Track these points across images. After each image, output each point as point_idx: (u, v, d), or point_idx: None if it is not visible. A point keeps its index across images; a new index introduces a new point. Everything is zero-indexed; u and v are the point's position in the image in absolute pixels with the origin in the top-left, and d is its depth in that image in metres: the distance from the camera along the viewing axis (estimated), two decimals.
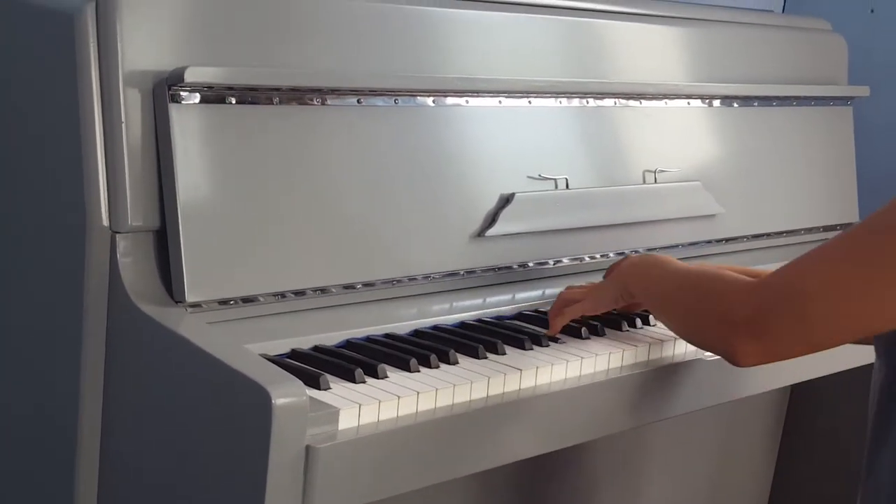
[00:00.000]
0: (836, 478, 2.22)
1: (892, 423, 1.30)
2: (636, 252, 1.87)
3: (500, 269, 1.69)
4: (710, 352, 1.31)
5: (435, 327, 1.58)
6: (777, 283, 1.24)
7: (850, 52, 2.36)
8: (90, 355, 1.36)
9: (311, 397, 1.22)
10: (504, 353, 1.50)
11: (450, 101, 1.63)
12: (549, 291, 1.75)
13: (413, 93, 1.59)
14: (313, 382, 1.30)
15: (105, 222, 1.34)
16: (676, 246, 1.95)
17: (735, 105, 2.08)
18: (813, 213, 2.25)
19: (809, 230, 2.24)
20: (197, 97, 1.36)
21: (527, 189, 1.71)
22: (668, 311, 1.43)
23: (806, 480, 2.45)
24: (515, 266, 1.71)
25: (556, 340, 1.57)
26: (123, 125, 1.34)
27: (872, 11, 2.79)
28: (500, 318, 1.66)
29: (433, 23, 1.65)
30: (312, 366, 1.36)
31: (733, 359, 1.27)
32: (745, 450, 2.42)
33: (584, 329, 1.61)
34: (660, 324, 1.67)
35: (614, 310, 1.64)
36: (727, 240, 2.05)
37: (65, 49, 1.34)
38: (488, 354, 1.49)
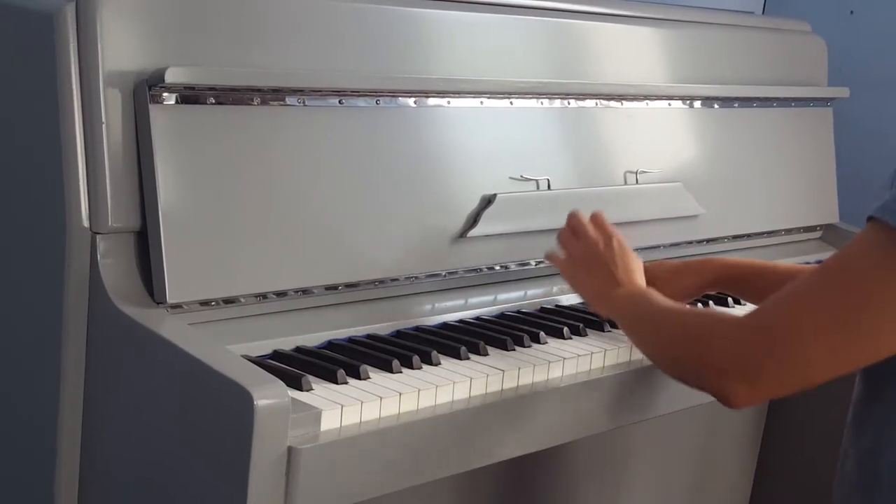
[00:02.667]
0: (818, 478, 2.23)
1: (864, 436, 1.31)
2: None
3: (482, 270, 1.69)
4: (702, 391, 1.32)
5: (417, 328, 1.58)
6: (762, 327, 1.24)
7: (829, 53, 2.37)
8: (70, 356, 1.35)
9: (293, 398, 1.22)
10: (486, 354, 1.50)
11: (431, 101, 1.63)
12: (530, 292, 1.76)
13: (394, 93, 1.58)
14: (295, 383, 1.30)
15: (85, 223, 1.33)
16: (658, 247, 1.95)
17: (716, 106, 2.09)
18: (793, 214, 2.26)
19: (790, 231, 2.25)
20: (177, 97, 1.36)
21: (509, 190, 1.71)
22: (647, 346, 1.42)
23: (787, 481, 2.46)
24: (497, 267, 1.71)
25: (538, 341, 1.57)
26: (104, 126, 1.33)
27: (852, 13, 2.81)
28: (482, 318, 1.66)
29: (415, 23, 1.65)
30: (294, 367, 1.36)
31: (727, 403, 1.26)
32: (726, 450, 2.43)
33: (565, 329, 1.61)
34: None
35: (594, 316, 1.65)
36: (708, 240, 2.05)
37: (45, 49, 1.33)
38: (470, 355, 1.49)
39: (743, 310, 1.79)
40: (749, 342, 1.23)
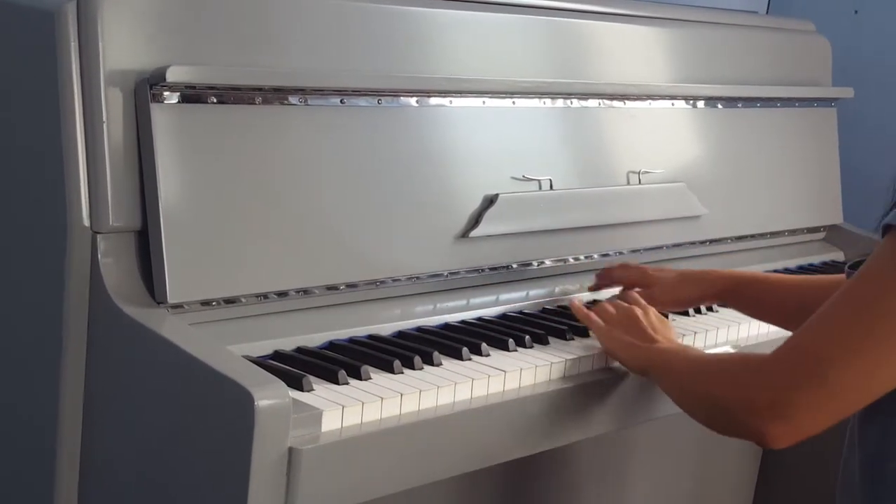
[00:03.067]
0: (821, 482, 2.22)
1: (867, 441, 1.30)
2: (620, 254, 1.87)
3: (483, 270, 1.69)
4: (741, 438, 1.31)
5: (418, 329, 1.58)
6: (792, 360, 1.21)
7: (833, 53, 2.37)
8: (71, 356, 1.35)
9: (293, 399, 1.22)
10: (488, 355, 1.50)
11: (433, 101, 1.63)
12: (532, 293, 1.75)
13: (396, 93, 1.58)
14: (296, 384, 1.30)
15: (86, 222, 1.33)
16: (661, 247, 1.95)
17: (719, 106, 2.08)
18: (797, 215, 2.25)
19: (793, 231, 2.25)
20: (178, 97, 1.36)
21: (511, 190, 1.70)
22: (683, 396, 1.39)
23: (790, 485, 2.46)
24: (499, 267, 1.71)
25: (541, 342, 1.57)
26: (105, 125, 1.33)
27: (856, 12, 2.80)
28: (483, 319, 1.65)
29: (417, 23, 1.64)
30: (295, 367, 1.36)
31: (765, 444, 1.24)
32: (728, 454, 2.42)
33: (568, 330, 1.61)
34: None
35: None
36: (711, 241, 2.05)
37: (46, 48, 1.33)
38: (472, 356, 1.48)
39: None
40: (779, 379, 1.21)
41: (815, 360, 1.19)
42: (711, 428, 1.34)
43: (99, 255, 1.33)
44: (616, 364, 1.57)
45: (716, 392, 1.30)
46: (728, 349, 1.70)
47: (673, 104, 2.00)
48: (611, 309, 1.59)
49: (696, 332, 1.71)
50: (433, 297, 1.64)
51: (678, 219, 1.97)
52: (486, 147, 1.69)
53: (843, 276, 1.34)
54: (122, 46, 1.34)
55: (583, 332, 1.63)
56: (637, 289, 1.73)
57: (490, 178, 1.69)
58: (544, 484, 2.01)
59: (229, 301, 1.40)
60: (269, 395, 1.18)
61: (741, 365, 1.29)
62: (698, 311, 1.81)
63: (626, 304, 1.59)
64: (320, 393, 1.30)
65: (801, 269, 2.18)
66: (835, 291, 1.23)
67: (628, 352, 1.51)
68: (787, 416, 1.20)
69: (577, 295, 1.75)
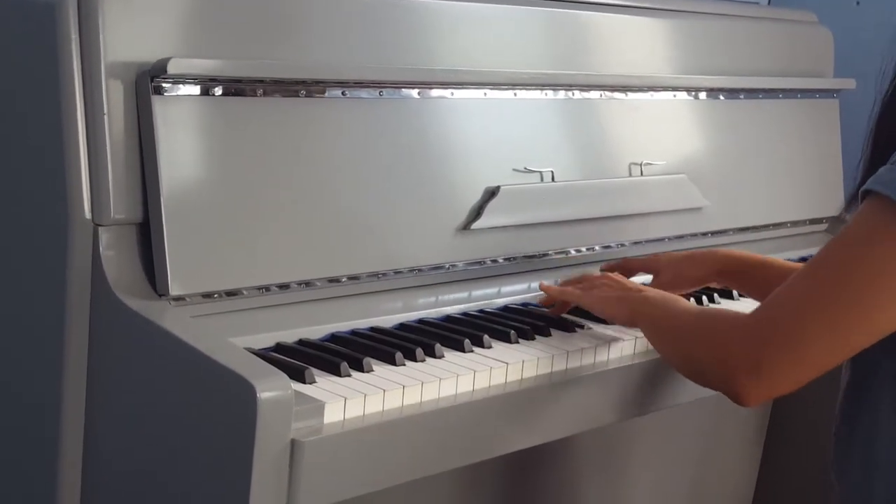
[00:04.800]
0: (821, 475, 2.22)
1: (858, 424, 1.30)
2: (622, 245, 1.87)
3: (485, 262, 1.68)
4: (707, 388, 1.32)
5: (420, 321, 1.57)
6: (767, 319, 1.23)
7: (836, 44, 2.36)
8: (73, 349, 1.35)
9: (296, 391, 1.22)
10: (490, 347, 1.50)
11: (435, 93, 1.62)
12: (534, 285, 1.75)
13: (398, 85, 1.58)
14: (298, 376, 1.30)
15: (88, 215, 1.33)
16: (662, 239, 1.95)
17: (721, 97, 2.08)
18: (799, 206, 2.25)
19: (795, 223, 2.24)
20: (180, 89, 1.35)
21: (512, 182, 1.70)
22: (664, 346, 1.43)
23: (792, 475, 2.46)
24: (501, 259, 1.71)
25: (543, 333, 1.57)
26: (106, 117, 1.33)
27: (858, 3, 2.79)
28: (485, 311, 1.65)
29: (418, 15, 1.64)
30: (297, 359, 1.36)
31: (739, 400, 1.26)
32: (729, 444, 2.42)
33: (570, 322, 1.61)
34: None
35: None
36: (713, 233, 2.05)
37: (46, 40, 1.33)
38: (474, 348, 1.48)
39: (750, 304, 1.78)
40: (755, 336, 1.23)
41: (789, 320, 1.20)
42: (688, 377, 1.37)
43: (101, 248, 1.33)
44: (617, 356, 1.57)
45: (694, 349, 1.32)
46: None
47: (675, 95, 1.99)
48: (588, 280, 1.62)
49: None
50: (435, 289, 1.64)
51: (680, 210, 1.97)
52: (487, 139, 1.69)
53: None
54: (123, 38, 1.34)
55: (585, 326, 1.63)
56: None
57: (491, 170, 1.68)
58: (546, 475, 2.01)
59: (231, 293, 1.40)
60: (272, 387, 1.18)
61: (719, 322, 1.30)
62: (730, 295, 1.83)
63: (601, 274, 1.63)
64: (322, 385, 1.30)
65: (803, 261, 2.18)
66: None
67: (611, 303, 1.52)
68: (760, 374, 1.22)
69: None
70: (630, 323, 1.51)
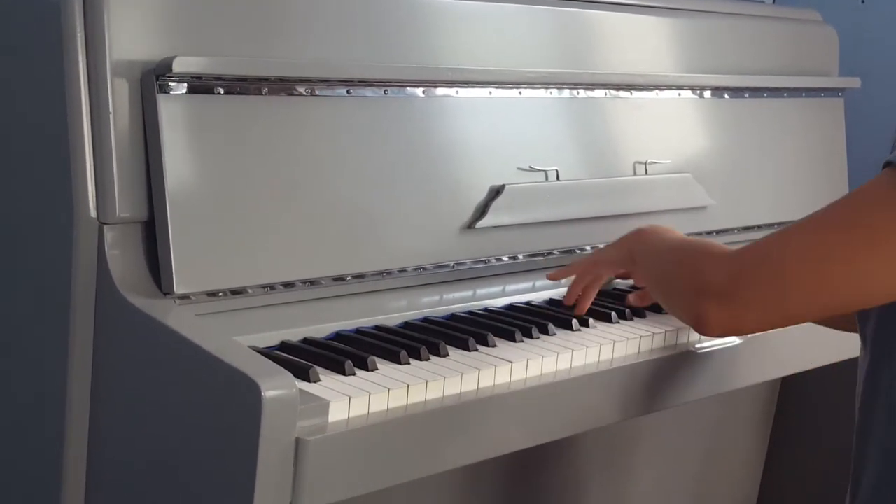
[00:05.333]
0: (827, 472, 2.22)
1: (877, 412, 1.30)
2: None
3: (490, 261, 1.68)
4: (680, 319, 1.29)
5: (425, 319, 1.58)
6: (754, 249, 1.21)
7: (840, 43, 2.36)
8: (78, 347, 1.35)
9: (300, 389, 1.22)
10: (494, 346, 1.50)
11: (440, 91, 1.62)
12: (539, 283, 1.75)
13: (403, 83, 1.58)
14: (303, 375, 1.30)
15: (93, 213, 1.33)
16: None
17: (726, 96, 2.08)
18: (804, 205, 2.23)
19: None
20: (185, 87, 1.35)
21: (517, 181, 1.70)
22: (651, 277, 1.43)
23: (796, 474, 2.46)
24: (506, 258, 1.71)
25: (546, 332, 1.57)
26: (111, 116, 1.33)
27: (863, 2, 2.79)
28: (490, 310, 1.65)
29: (423, 13, 1.64)
30: (302, 358, 1.36)
31: (698, 324, 1.23)
32: (733, 443, 2.42)
33: (574, 321, 1.61)
34: (649, 316, 1.67)
35: (606, 302, 1.64)
36: (717, 232, 2.05)
37: (52, 39, 1.33)
38: (479, 347, 1.48)
39: None
40: (733, 265, 1.20)
41: (777, 254, 1.18)
42: (668, 310, 1.36)
43: (106, 247, 1.33)
44: (622, 355, 1.57)
45: (678, 273, 1.30)
46: (735, 340, 1.69)
47: (679, 94, 1.99)
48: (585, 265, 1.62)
49: None
50: (440, 287, 1.64)
51: (685, 209, 1.97)
52: (492, 137, 1.69)
53: None
54: (129, 37, 1.34)
55: (589, 324, 1.63)
56: None
57: (496, 169, 1.68)
58: (549, 474, 2.02)
59: (236, 292, 1.40)
60: (276, 385, 1.18)
61: (704, 247, 1.29)
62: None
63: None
64: (327, 384, 1.30)
65: None
66: None
67: (611, 248, 1.55)
68: (730, 302, 1.19)
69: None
70: (630, 261, 1.52)
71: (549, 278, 1.65)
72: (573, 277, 1.64)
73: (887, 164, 1.18)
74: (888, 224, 1.14)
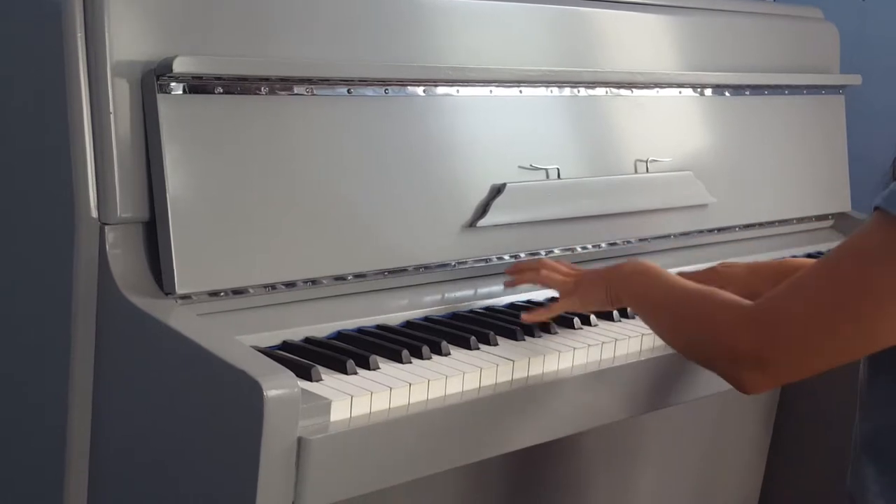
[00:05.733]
0: (829, 472, 2.22)
1: (876, 393, 1.32)
2: (628, 242, 1.87)
3: (491, 259, 1.68)
4: (717, 374, 1.33)
5: (427, 318, 1.58)
6: (772, 311, 1.25)
7: (841, 40, 2.36)
8: (80, 347, 1.35)
9: (302, 389, 1.22)
10: (496, 344, 1.50)
11: (440, 90, 1.62)
12: None
13: (403, 82, 1.58)
14: (305, 374, 1.30)
15: (94, 214, 1.33)
16: (668, 236, 1.94)
17: (727, 94, 2.07)
18: (805, 203, 2.25)
19: (801, 219, 2.24)
20: (185, 87, 1.35)
21: (518, 179, 1.70)
22: (665, 328, 1.42)
23: (798, 473, 2.45)
24: (507, 257, 1.71)
25: (548, 331, 1.57)
26: (112, 116, 1.33)
27: (864, 0, 2.79)
28: (491, 308, 1.65)
29: (424, 12, 1.64)
30: (304, 357, 1.36)
31: (742, 389, 1.29)
32: (736, 442, 2.42)
33: (576, 319, 1.61)
34: None
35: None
36: (719, 229, 2.05)
37: (52, 39, 1.33)
38: (480, 345, 1.48)
39: None
40: (761, 333, 1.25)
41: (795, 322, 1.23)
42: (688, 358, 1.39)
43: (107, 247, 1.33)
44: (623, 353, 1.57)
45: (696, 334, 1.34)
46: None
47: (680, 92, 1.99)
48: (554, 275, 1.58)
49: None
50: (441, 286, 1.64)
51: (686, 207, 1.97)
52: (493, 136, 1.69)
53: None
54: (129, 37, 1.34)
55: (591, 322, 1.63)
56: None
57: (497, 168, 1.68)
58: (552, 472, 2.02)
59: (237, 291, 1.40)
60: (278, 384, 1.18)
61: (722, 310, 1.31)
62: None
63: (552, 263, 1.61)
64: (329, 383, 1.31)
65: (809, 258, 2.18)
66: None
67: (599, 279, 1.52)
68: (765, 369, 1.26)
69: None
70: (616, 301, 1.51)
71: (509, 283, 1.63)
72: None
73: (876, 209, 1.21)
74: (891, 282, 1.18)
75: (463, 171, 1.65)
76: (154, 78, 1.33)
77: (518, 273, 1.63)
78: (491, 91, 1.69)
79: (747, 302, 1.29)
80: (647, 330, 1.61)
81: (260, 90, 1.42)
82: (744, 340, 1.26)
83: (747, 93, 2.11)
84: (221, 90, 1.38)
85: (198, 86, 1.36)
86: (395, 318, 1.55)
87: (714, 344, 1.30)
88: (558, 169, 1.76)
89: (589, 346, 1.54)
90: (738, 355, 1.26)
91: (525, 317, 1.56)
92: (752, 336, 1.25)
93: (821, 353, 1.23)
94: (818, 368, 1.25)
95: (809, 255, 2.20)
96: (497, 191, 1.67)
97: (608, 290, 1.51)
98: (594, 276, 1.55)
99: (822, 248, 2.22)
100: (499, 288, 1.70)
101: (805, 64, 2.27)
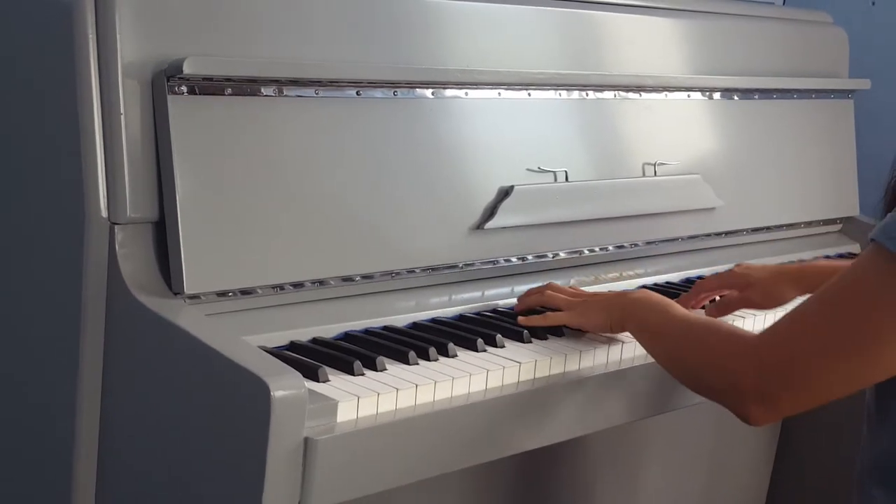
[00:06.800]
0: (835, 474, 2.22)
1: (885, 415, 1.31)
2: (635, 245, 1.87)
3: (499, 261, 1.69)
4: (722, 405, 1.35)
5: (433, 320, 1.58)
6: (777, 355, 1.25)
7: (850, 44, 2.36)
8: (89, 347, 1.35)
9: (309, 389, 1.22)
10: (503, 347, 1.50)
11: (449, 93, 1.63)
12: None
13: (412, 84, 1.58)
14: (312, 375, 1.30)
15: (104, 213, 1.34)
16: (676, 239, 1.95)
17: (735, 98, 2.08)
18: (813, 207, 2.24)
19: (809, 224, 2.24)
20: (195, 88, 1.36)
21: (526, 182, 1.70)
22: (667, 359, 1.43)
23: (804, 476, 2.45)
24: (514, 259, 1.71)
25: (555, 333, 1.57)
26: (122, 116, 1.33)
27: (873, 4, 2.79)
28: (498, 310, 1.66)
29: (433, 14, 1.65)
30: (311, 358, 1.36)
31: (747, 422, 1.29)
32: (743, 444, 2.42)
33: None
34: None
35: None
36: (727, 233, 2.05)
37: (63, 40, 1.34)
38: (487, 348, 1.49)
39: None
40: (764, 369, 1.25)
41: (797, 357, 1.23)
42: (691, 389, 1.39)
43: (116, 246, 1.33)
44: (630, 356, 1.57)
45: (698, 367, 1.34)
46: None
47: (689, 96, 1.99)
48: (558, 295, 1.59)
49: None
50: (448, 288, 1.64)
51: (693, 211, 1.97)
52: (501, 139, 1.69)
53: None
54: (139, 38, 1.34)
55: None
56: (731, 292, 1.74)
57: (505, 170, 1.69)
58: (558, 475, 2.02)
59: (245, 292, 1.41)
60: (285, 385, 1.18)
61: (725, 344, 1.31)
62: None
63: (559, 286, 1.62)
64: (336, 383, 1.31)
65: (842, 258, 2.18)
66: None
67: (602, 307, 1.52)
68: (769, 404, 1.26)
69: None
70: (617, 327, 1.51)
71: (521, 314, 1.59)
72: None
73: (871, 241, 1.21)
74: (881, 306, 1.18)
75: (471, 173, 1.65)
76: (164, 79, 1.34)
77: (524, 298, 1.62)
78: (499, 94, 1.69)
79: (751, 334, 1.29)
80: None
81: (269, 91, 1.43)
82: (748, 376, 1.26)
83: (756, 97, 2.11)
84: (231, 91, 1.39)
85: (208, 87, 1.37)
86: (402, 319, 1.55)
87: (717, 378, 1.30)
88: (566, 172, 1.76)
89: (596, 348, 1.54)
90: (743, 390, 1.26)
91: (522, 319, 1.56)
92: (756, 373, 1.25)
93: (827, 387, 1.23)
94: (824, 400, 1.25)
95: (841, 256, 2.19)
96: (505, 193, 1.67)
97: (610, 315, 1.51)
98: (598, 301, 1.55)
99: (830, 252, 2.22)
100: (506, 290, 1.71)
101: (814, 68, 2.27)
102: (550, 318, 1.56)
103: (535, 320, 1.56)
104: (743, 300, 1.72)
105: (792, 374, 1.23)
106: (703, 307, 1.76)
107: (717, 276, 1.77)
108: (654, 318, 1.44)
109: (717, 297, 1.76)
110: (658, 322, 1.43)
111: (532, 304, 1.60)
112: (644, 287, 1.85)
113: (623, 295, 1.53)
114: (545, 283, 1.64)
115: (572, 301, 1.57)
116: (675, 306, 1.45)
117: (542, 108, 1.76)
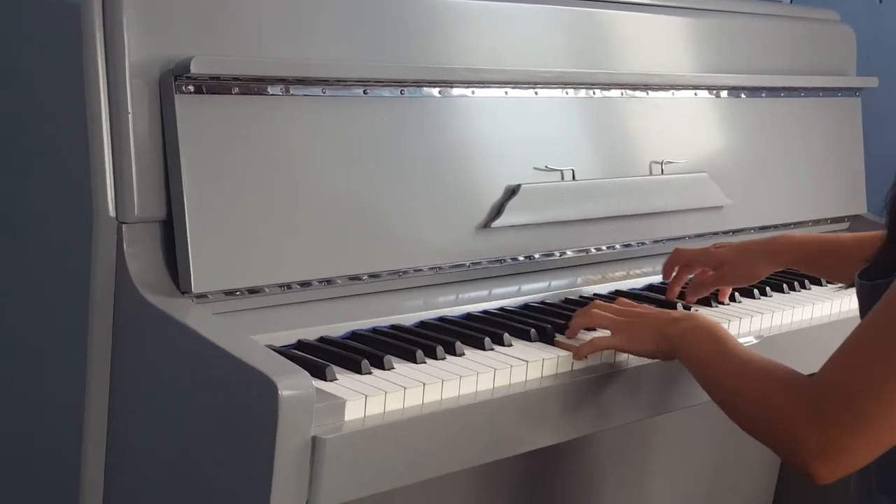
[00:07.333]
0: (843, 478, 2.21)
1: None
2: (642, 244, 1.87)
3: (506, 260, 1.69)
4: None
5: (441, 319, 1.58)
6: (832, 399, 1.20)
7: (858, 42, 2.35)
8: (97, 346, 1.36)
9: (317, 388, 1.22)
10: (510, 345, 1.50)
11: (456, 91, 1.63)
12: (554, 283, 1.75)
13: (419, 83, 1.58)
14: (319, 373, 1.30)
15: (112, 213, 1.34)
16: (683, 237, 1.94)
17: (742, 96, 2.07)
18: (821, 205, 2.24)
19: (817, 222, 2.24)
20: (202, 87, 1.36)
21: (533, 180, 1.70)
22: (722, 401, 1.36)
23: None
24: (521, 258, 1.71)
25: (563, 332, 1.56)
26: (130, 116, 1.34)
27: (881, 2, 2.78)
28: (505, 309, 1.66)
29: (439, 13, 1.65)
30: (318, 357, 1.36)
31: (812, 479, 1.24)
32: (750, 442, 2.41)
33: None
34: None
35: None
36: (734, 231, 2.04)
37: (71, 40, 1.34)
38: (494, 346, 1.49)
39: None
40: (821, 418, 1.21)
41: (855, 399, 1.18)
42: (746, 431, 1.34)
43: (124, 246, 1.34)
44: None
45: (753, 413, 1.30)
46: (751, 340, 1.69)
47: (696, 94, 1.99)
48: (606, 314, 1.51)
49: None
50: (455, 287, 1.64)
51: (701, 209, 1.97)
52: (508, 137, 1.69)
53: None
54: (147, 37, 1.34)
55: None
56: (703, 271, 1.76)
57: (512, 169, 1.69)
58: (564, 473, 2.02)
59: (253, 291, 1.41)
60: (293, 384, 1.18)
61: (779, 391, 1.26)
62: (720, 301, 1.81)
63: (602, 303, 1.55)
64: (343, 382, 1.31)
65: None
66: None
67: (646, 337, 1.46)
68: (833, 456, 1.21)
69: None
70: (667, 357, 1.45)
71: (569, 341, 1.53)
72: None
73: None
74: None
75: (478, 171, 1.65)
76: (172, 78, 1.34)
77: (573, 322, 1.55)
78: (506, 92, 1.69)
79: (808, 380, 1.24)
80: None
81: (276, 91, 1.43)
82: (803, 429, 1.21)
83: (763, 95, 2.11)
84: (238, 90, 1.39)
85: (215, 86, 1.37)
86: (409, 318, 1.55)
87: (772, 427, 1.26)
88: (573, 170, 1.76)
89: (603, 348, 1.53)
90: (800, 443, 1.21)
91: (565, 344, 1.50)
92: (811, 423, 1.21)
93: (880, 428, 1.18)
94: (884, 444, 1.20)
95: None
96: (512, 192, 1.67)
97: (659, 345, 1.44)
98: (646, 323, 1.47)
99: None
100: (513, 288, 1.71)
101: (821, 66, 2.26)
102: (597, 344, 1.49)
103: (583, 349, 1.48)
104: (718, 278, 1.74)
105: (851, 416, 1.18)
106: (682, 288, 1.77)
107: (693, 250, 1.77)
108: (707, 355, 1.37)
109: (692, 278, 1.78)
110: (711, 361, 1.36)
111: (579, 327, 1.54)
112: (652, 286, 1.86)
113: (674, 322, 1.43)
114: (591, 302, 1.57)
115: (619, 322, 1.49)
116: (730, 340, 1.37)
117: (549, 106, 1.76)
